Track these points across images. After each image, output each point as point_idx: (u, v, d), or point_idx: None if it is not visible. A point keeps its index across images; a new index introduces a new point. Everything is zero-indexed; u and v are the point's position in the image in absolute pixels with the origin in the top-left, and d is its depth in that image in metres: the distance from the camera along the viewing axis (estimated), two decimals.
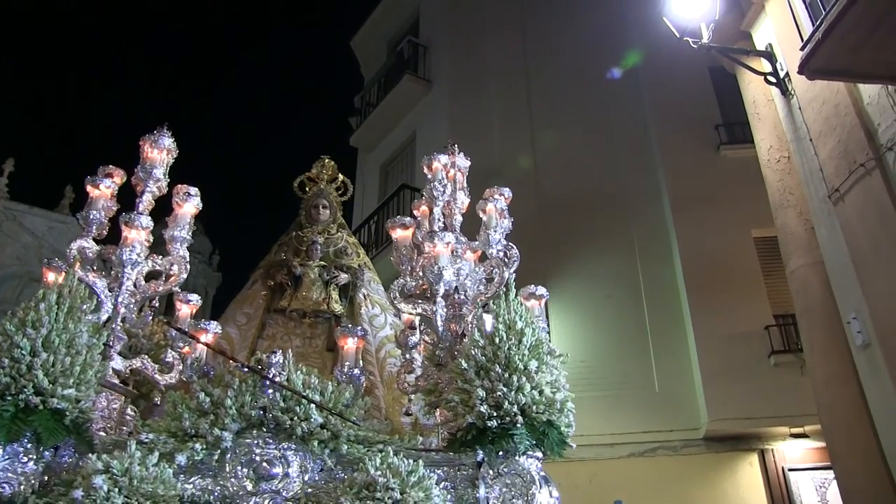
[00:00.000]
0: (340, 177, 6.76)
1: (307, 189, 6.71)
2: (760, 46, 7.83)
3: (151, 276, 4.66)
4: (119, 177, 4.72)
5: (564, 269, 11.72)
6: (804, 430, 10.03)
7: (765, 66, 7.68)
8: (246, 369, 3.93)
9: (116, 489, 3.35)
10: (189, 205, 4.76)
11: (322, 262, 6.20)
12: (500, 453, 3.75)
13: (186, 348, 4.58)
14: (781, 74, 7.42)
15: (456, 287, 4.54)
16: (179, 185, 4.80)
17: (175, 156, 4.91)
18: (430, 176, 5.01)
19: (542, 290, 4.69)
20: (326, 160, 6.77)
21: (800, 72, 5.98)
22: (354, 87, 18.92)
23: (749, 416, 10.05)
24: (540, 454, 3.83)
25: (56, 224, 20.64)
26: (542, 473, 3.79)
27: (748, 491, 10.00)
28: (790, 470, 10.06)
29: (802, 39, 6.18)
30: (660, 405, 10.63)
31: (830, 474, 8.98)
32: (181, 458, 3.67)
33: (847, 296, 6.40)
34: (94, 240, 4.57)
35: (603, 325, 11.31)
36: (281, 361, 3.94)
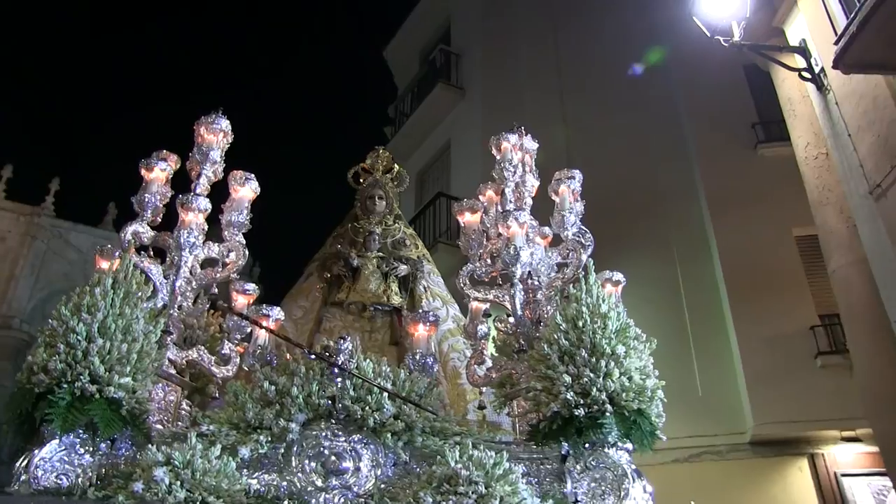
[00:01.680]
0: (396, 167, 6.54)
1: (362, 180, 6.48)
2: (794, 42, 7.58)
3: (206, 264, 4.45)
4: (173, 162, 4.51)
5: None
6: (856, 433, 9.53)
7: (799, 61, 7.41)
8: (313, 356, 3.69)
9: (178, 482, 3.15)
10: (246, 188, 4.54)
11: (380, 254, 5.98)
12: (587, 445, 3.50)
13: (240, 346, 4.36)
14: (816, 70, 7.16)
15: (529, 272, 4.31)
16: (236, 171, 4.59)
17: (230, 140, 4.70)
18: (498, 157, 4.80)
19: (619, 276, 4.45)
20: (381, 150, 6.55)
21: (835, 66, 5.89)
22: (388, 97, 18.92)
23: (796, 419, 9.59)
24: (630, 446, 3.56)
25: (100, 240, 20.68)
26: (634, 466, 3.52)
27: (799, 497, 9.51)
28: (843, 475, 9.55)
29: (836, 33, 6.08)
30: (703, 409, 10.21)
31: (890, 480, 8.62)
32: (244, 451, 3.43)
33: (893, 294, 6.14)
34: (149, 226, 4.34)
35: (642, 329, 10.99)
36: (350, 348, 3.70)
